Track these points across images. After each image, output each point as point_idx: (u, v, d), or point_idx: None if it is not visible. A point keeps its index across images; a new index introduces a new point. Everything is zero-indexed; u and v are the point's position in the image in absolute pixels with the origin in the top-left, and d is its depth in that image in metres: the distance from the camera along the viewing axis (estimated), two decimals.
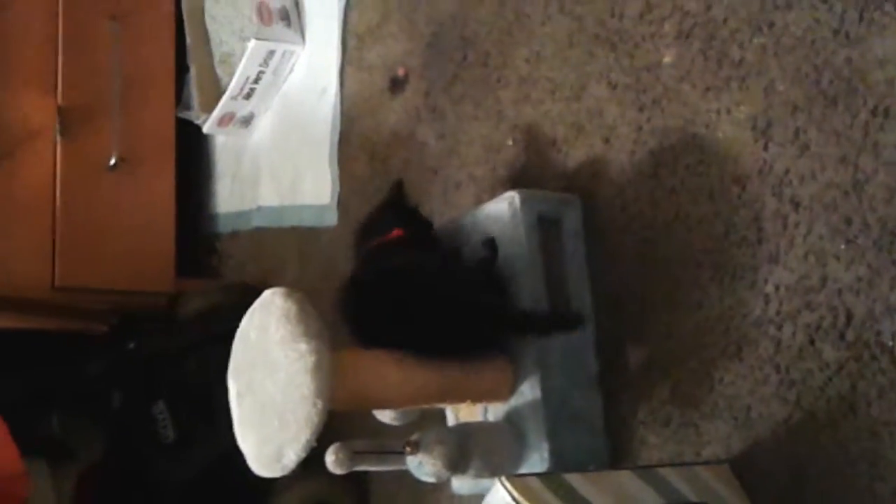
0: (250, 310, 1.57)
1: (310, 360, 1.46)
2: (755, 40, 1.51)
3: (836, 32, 1.41)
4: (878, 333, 1.33)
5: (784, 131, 1.46)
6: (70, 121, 2.53)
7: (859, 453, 1.33)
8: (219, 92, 2.60)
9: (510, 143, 1.88)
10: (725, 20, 1.56)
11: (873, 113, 1.36)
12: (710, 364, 1.52)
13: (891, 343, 1.31)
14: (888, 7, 1.36)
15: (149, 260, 2.57)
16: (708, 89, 1.57)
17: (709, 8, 1.58)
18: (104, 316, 2.59)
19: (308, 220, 2.45)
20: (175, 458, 2.34)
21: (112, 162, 2.57)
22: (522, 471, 1.62)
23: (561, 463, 1.58)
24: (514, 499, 1.26)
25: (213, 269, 2.78)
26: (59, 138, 2.51)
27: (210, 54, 2.70)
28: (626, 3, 1.70)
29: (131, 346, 2.50)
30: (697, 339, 1.54)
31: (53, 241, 2.47)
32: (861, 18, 1.39)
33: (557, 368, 1.63)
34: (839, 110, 1.40)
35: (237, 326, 1.58)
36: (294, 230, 2.50)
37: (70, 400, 2.44)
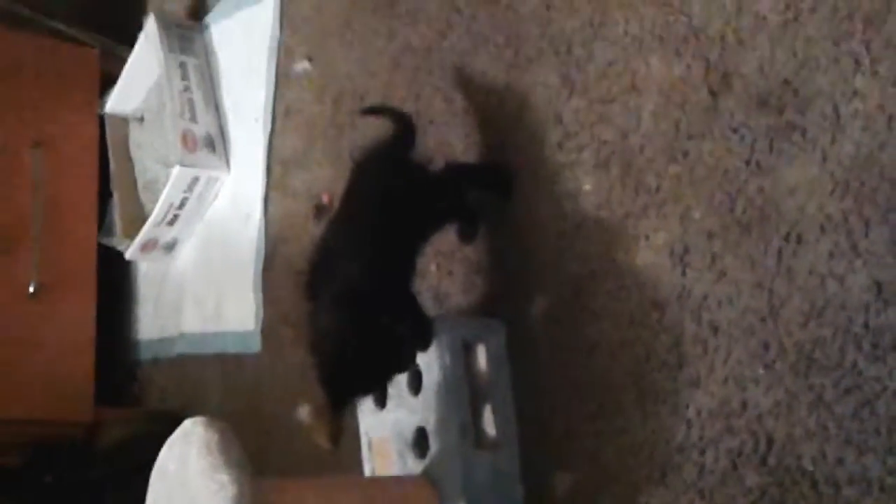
0: (169, 441, 1.53)
1: (231, 490, 1.43)
2: (671, 169, 1.55)
3: (747, 162, 1.45)
4: (799, 458, 1.34)
5: (701, 257, 1.49)
6: None
7: None
8: (142, 218, 2.59)
9: (434, 268, 1.89)
10: (642, 149, 1.60)
11: (786, 239, 1.40)
12: (635, 489, 1.52)
13: (811, 468, 1.32)
14: (796, 137, 1.40)
15: (67, 389, 2.52)
16: (626, 216, 1.60)
17: (625, 137, 1.62)
18: (19, 447, 2.52)
19: (232, 347, 2.42)
20: None
21: (31, 289, 2.53)
22: None
23: None
24: None
25: (133, 398, 2.72)
26: None
27: (134, 181, 2.70)
28: (546, 132, 1.74)
29: (47, 478, 2.43)
30: (622, 465, 1.54)
31: None
32: (771, 149, 1.43)
33: (483, 495, 1.61)
34: (753, 237, 1.43)
35: (157, 456, 1.55)
36: (218, 357, 2.47)
37: None
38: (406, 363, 1.65)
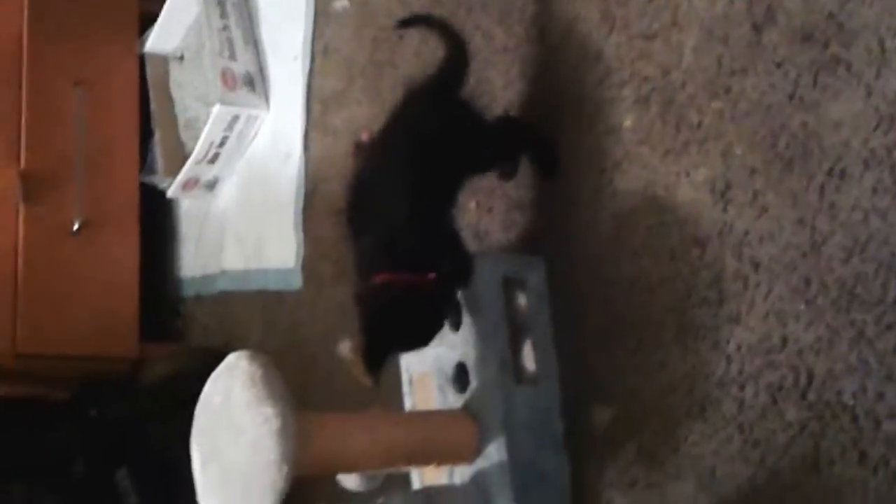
0: (214, 374, 1.56)
1: (275, 423, 1.45)
2: (712, 105, 1.54)
3: (791, 97, 1.44)
4: (839, 393, 1.34)
5: (742, 193, 1.49)
6: (33, 186, 2.53)
7: None
8: (183, 157, 2.61)
9: (473, 205, 1.89)
10: (683, 85, 1.59)
11: (829, 175, 1.39)
12: (674, 424, 1.53)
13: (852, 402, 1.33)
14: (841, 71, 1.39)
15: (112, 325, 2.56)
16: (667, 152, 1.60)
17: (666, 73, 1.61)
18: (67, 382, 2.57)
19: (273, 284, 2.44)
20: None
21: (75, 227, 2.56)
22: None
23: None
24: None
25: (177, 334, 2.76)
26: (21, 203, 2.51)
27: (175, 119, 2.71)
28: (586, 68, 1.73)
29: (94, 412, 2.48)
30: (661, 400, 1.55)
31: (15, 306, 2.45)
32: (815, 83, 1.42)
33: (523, 430, 1.63)
34: (796, 173, 1.43)
35: (201, 391, 1.57)
36: (259, 294, 2.49)
37: (32, 468, 2.41)
38: (444, 322, 1.65)
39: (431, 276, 1.60)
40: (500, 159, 1.79)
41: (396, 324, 1.59)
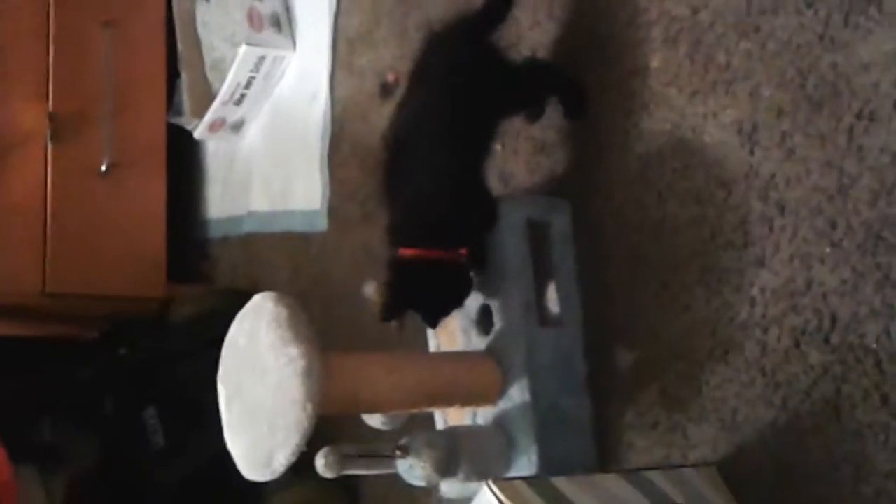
0: (240, 314, 1.57)
1: (300, 364, 1.46)
2: (741, 45, 1.52)
3: (821, 37, 1.42)
4: (863, 336, 1.34)
5: (770, 135, 1.47)
6: (61, 126, 2.54)
7: (844, 456, 1.34)
8: (210, 97, 2.61)
9: (498, 147, 1.89)
10: (712, 24, 1.57)
11: (858, 117, 1.37)
12: (697, 367, 1.53)
13: (875, 346, 1.32)
14: (872, 11, 1.37)
15: (140, 265, 2.58)
16: (694, 93, 1.58)
17: (695, 12, 1.59)
18: (95, 322, 2.60)
19: (299, 226, 2.45)
20: (165, 464, 2.34)
21: (103, 167, 2.57)
22: (511, 474, 1.62)
23: (549, 466, 1.59)
24: (501, 502, 1.26)
25: (204, 275, 2.78)
26: (50, 144, 2.52)
27: (201, 60, 2.71)
28: (615, 10, 1.71)
29: (122, 351, 2.51)
30: (684, 342, 1.55)
31: (44, 246, 2.48)
32: (846, 23, 1.39)
33: (546, 372, 1.64)
34: (824, 114, 1.41)
35: (228, 331, 1.59)
36: (285, 235, 2.50)
37: (61, 406, 2.44)
38: (468, 295, 1.65)
39: (462, 251, 1.60)
40: (528, 102, 1.78)
41: (419, 297, 1.60)
